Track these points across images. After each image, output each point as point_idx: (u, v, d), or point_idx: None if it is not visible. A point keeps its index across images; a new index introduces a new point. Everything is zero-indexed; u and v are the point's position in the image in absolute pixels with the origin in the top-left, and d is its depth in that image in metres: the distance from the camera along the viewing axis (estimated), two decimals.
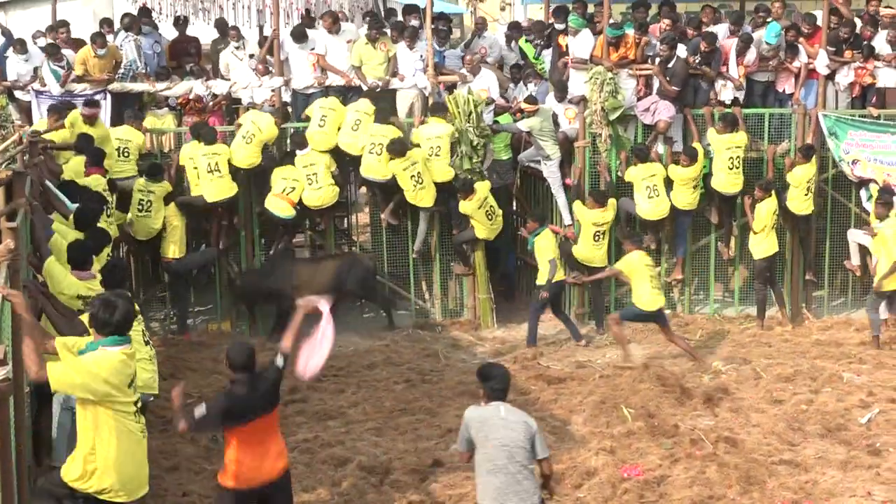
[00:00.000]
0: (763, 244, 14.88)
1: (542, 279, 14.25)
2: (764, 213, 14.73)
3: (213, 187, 14.65)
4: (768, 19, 15.75)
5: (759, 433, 11.01)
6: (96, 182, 12.71)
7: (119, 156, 14.52)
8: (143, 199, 14.42)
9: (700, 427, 11.13)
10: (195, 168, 14.67)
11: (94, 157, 13.24)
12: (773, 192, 14.86)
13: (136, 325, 8.76)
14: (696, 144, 15.17)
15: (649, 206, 15.06)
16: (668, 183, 15.11)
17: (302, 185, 14.91)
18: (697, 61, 15.35)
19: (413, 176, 14.84)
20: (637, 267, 13.64)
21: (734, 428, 11.16)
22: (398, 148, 14.76)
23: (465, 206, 14.90)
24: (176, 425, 7.76)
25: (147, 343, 9.06)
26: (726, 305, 15.87)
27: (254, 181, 15.22)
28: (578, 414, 11.72)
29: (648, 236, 15.39)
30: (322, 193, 14.96)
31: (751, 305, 15.42)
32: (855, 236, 15.36)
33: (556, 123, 15.40)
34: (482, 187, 14.99)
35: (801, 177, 15.06)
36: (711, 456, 10.29)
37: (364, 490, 9.65)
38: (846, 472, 10.02)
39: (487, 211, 15.01)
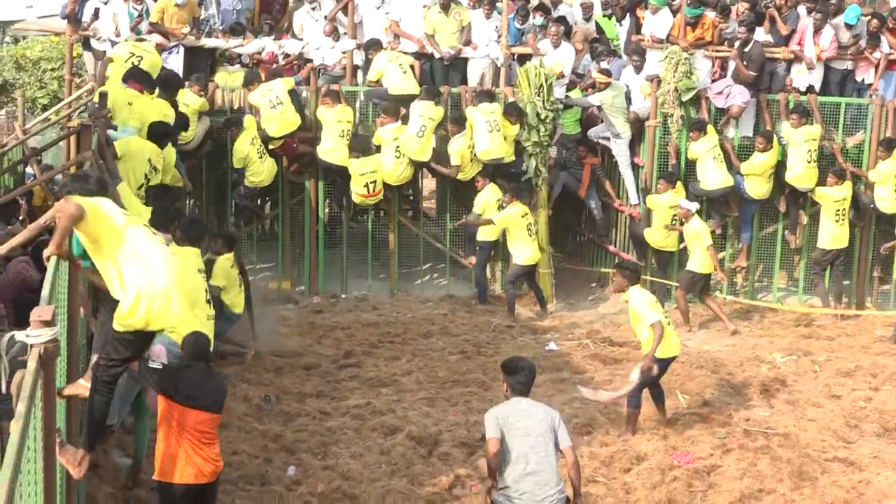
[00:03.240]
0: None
1: None
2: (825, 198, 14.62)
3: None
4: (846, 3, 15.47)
5: (815, 428, 10.81)
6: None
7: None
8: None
9: (755, 418, 10.99)
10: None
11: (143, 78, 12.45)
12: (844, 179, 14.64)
13: (200, 283, 8.81)
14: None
15: (718, 176, 14.80)
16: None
17: (381, 174, 14.79)
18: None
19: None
20: (515, 220, 14.13)
21: (789, 421, 11.01)
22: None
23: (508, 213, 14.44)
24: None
25: (208, 302, 8.98)
26: (790, 294, 15.66)
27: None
28: None
29: (713, 220, 15.21)
30: (405, 170, 14.96)
31: (815, 296, 15.20)
32: None
33: (628, 100, 15.23)
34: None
35: (888, 172, 14.77)
36: (764, 448, 10.14)
37: (412, 460, 9.64)
38: None
39: (529, 225, 14.48)
